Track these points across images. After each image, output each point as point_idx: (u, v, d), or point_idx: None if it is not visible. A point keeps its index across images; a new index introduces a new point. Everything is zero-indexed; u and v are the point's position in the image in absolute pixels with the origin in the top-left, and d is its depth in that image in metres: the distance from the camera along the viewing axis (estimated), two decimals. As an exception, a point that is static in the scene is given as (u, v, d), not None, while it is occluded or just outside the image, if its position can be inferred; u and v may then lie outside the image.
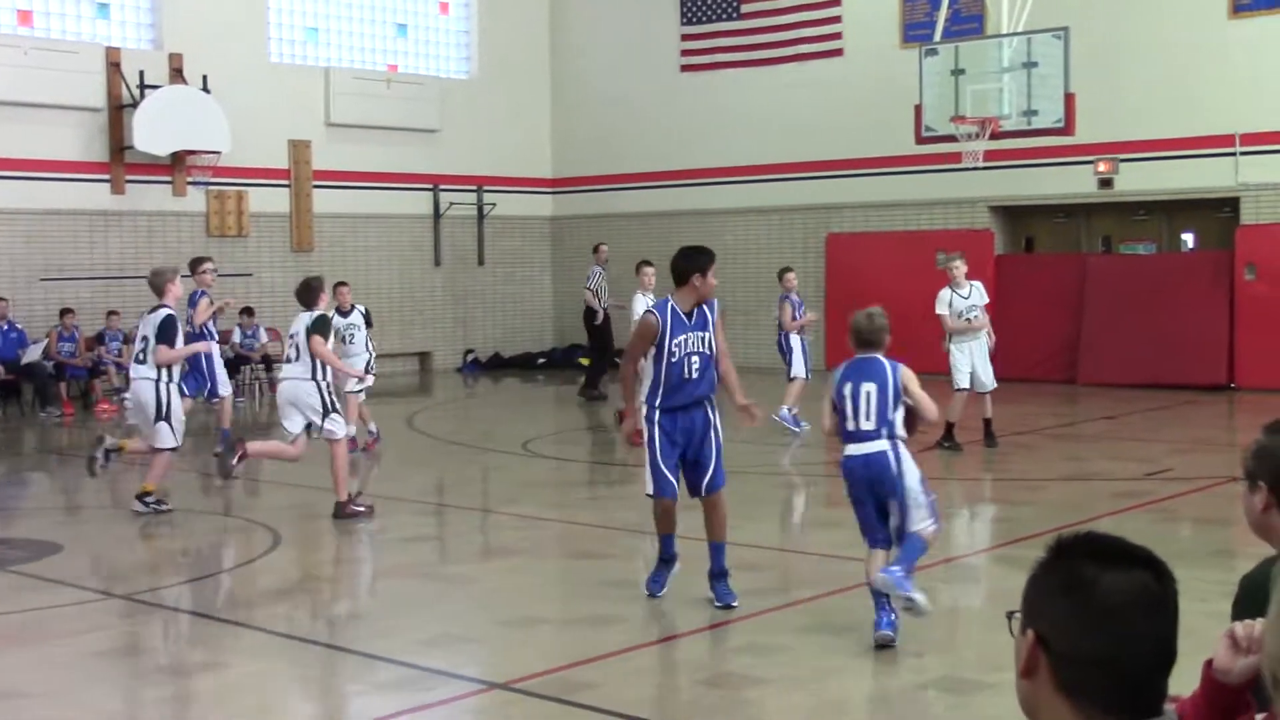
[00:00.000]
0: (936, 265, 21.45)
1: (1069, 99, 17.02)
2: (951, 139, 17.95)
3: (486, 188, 26.43)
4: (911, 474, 7.38)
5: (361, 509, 11.31)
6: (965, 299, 14.66)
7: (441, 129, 25.52)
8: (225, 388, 14.96)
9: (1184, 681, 2.46)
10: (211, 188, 22.63)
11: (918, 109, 18.17)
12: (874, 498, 7.43)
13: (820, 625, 7.76)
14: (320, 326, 11.30)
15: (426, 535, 11.32)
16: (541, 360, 26.62)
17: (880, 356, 7.49)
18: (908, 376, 7.45)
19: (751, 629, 7.79)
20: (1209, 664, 2.66)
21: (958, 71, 17.84)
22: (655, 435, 8.08)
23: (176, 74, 22.12)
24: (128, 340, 12.32)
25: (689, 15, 25.57)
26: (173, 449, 11.70)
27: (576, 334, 27.06)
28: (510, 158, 26.84)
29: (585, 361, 25.73)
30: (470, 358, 26.17)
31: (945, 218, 22.37)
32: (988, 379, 14.65)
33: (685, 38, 25.64)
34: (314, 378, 11.23)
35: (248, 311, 21.29)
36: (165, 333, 11.49)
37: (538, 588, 9.24)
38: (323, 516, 11.27)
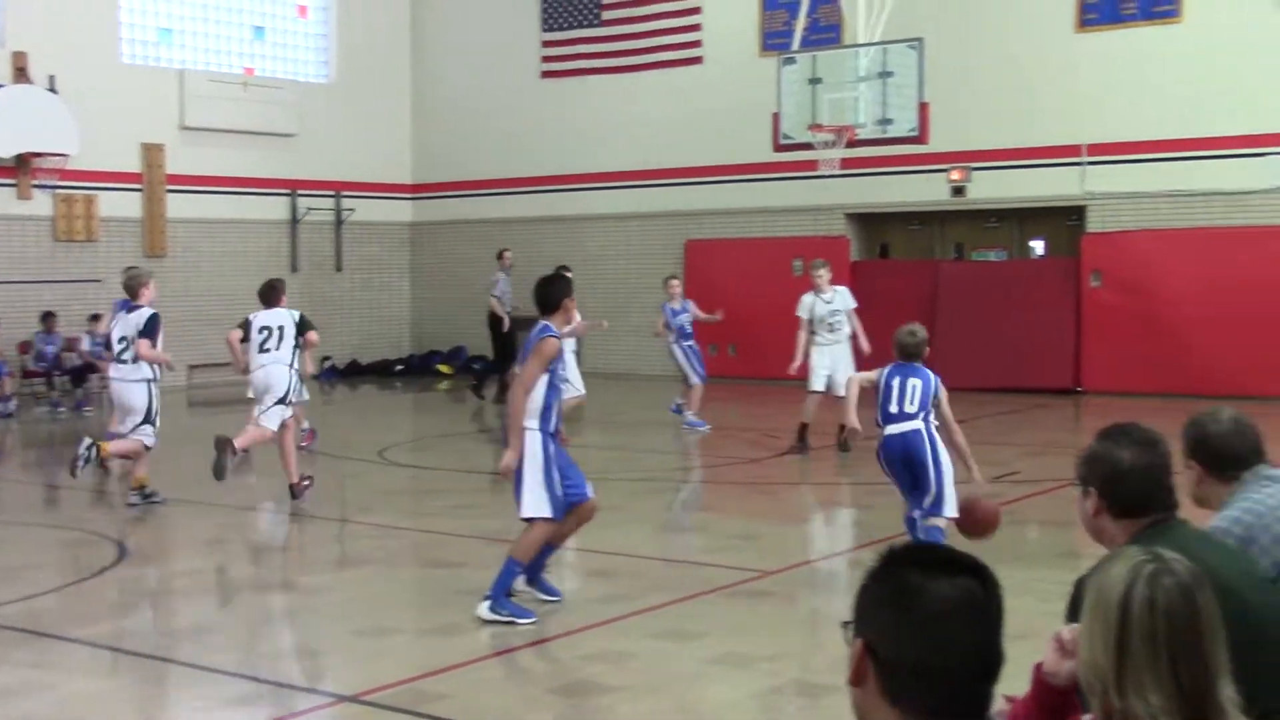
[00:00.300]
0: (794, 273, 21.73)
1: (923, 108, 17.29)
2: (808, 147, 18.13)
3: (345, 193, 26.13)
4: (947, 462, 8.78)
5: (308, 483, 12.24)
6: (828, 304, 14.83)
7: (299, 133, 25.18)
8: None
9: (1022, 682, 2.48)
10: (59, 191, 22.04)
11: (775, 117, 18.32)
12: (908, 471, 8.83)
13: (673, 631, 7.77)
14: (305, 322, 12.47)
15: (280, 545, 11.13)
16: (399, 367, 26.39)
17: (922, 365, 9.08)
18: (941, 387, 9.02)
19: (606, 636, 7.76)
20: (1038, 666, 2.70)
21: (815, 80, 18.02)
22: (550, 458, 7.98)
23: (20, 73, 21.52)
24: (108, 346, 12.39)
25: (550, 21, 25.54)
26: (149, 448, 12.15)
27: (434, 340, 26.90)
28: (369, 163, 26.58)
29: (445, 369, 25.61)
30: (327, 365, 25.82)
31: (802, 224, 22.61)
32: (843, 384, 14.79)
33: (546, 44, 25.60)
34: (291, 365, 12.23)
35: (96, 318, 20.76)
36: (150, 330, 12.00)
37: (392, 598, 9.12)
38: (173, 527, 11.01)
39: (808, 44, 19.92)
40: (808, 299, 14.88)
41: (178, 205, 23.57)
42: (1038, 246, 21.77)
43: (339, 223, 26.12)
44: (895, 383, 9.01)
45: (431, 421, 19.46)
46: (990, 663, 2.28)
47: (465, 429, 17.98)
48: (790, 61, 18.37)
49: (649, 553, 10.23)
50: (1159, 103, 19.49)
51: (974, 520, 8.15)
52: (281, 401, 12.12)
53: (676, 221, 23.93)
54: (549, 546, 8.22)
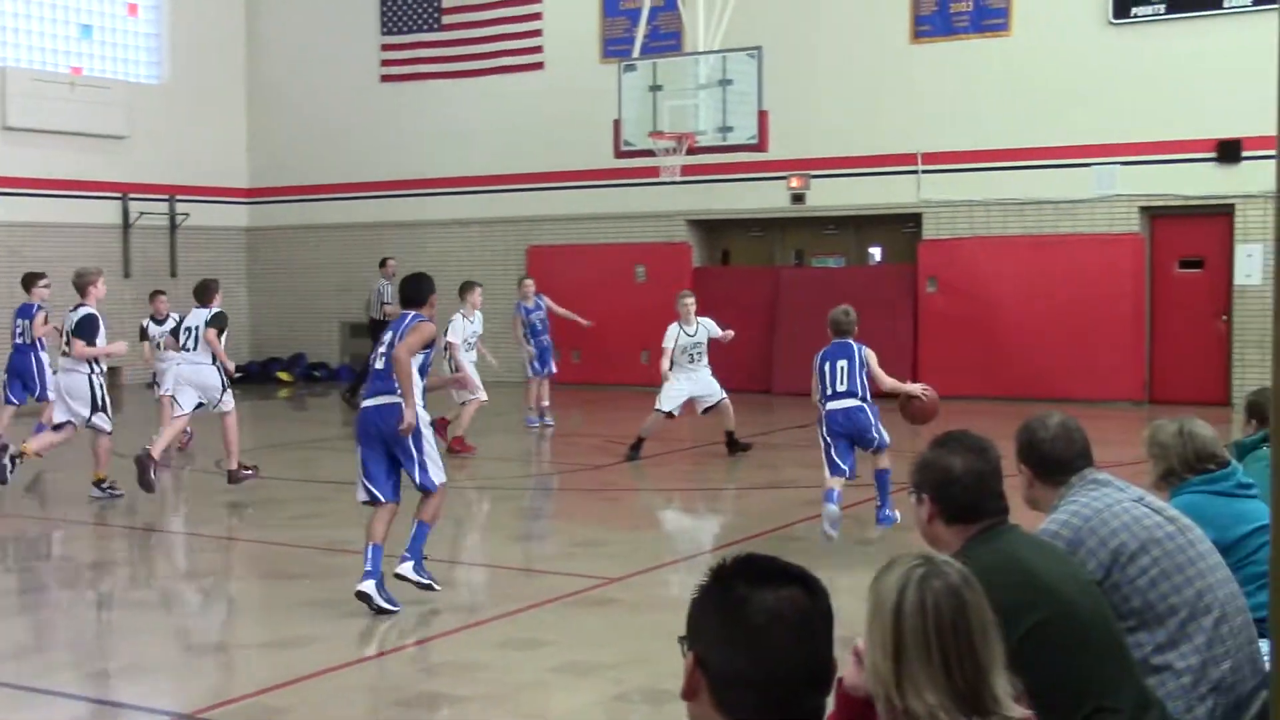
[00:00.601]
0: (636, 279, 21.87)
1: (762, 116, 17.48)
2: (650, 154, 18.20)
3: (179, 197, 25.57)
4: (883, 429, 10.61)
5: (249, 472, 13.20)
6: (691, 336, 15.04)
7: (130, 135, 24.58)
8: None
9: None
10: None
11: (616, 124, 18.38)
12: (848, 439, 10.39)
13: (520, 640, 7.76)
14: (217, 321, 13.10)
15: (114, 560, 10.84)
16: (238, 374, 25.81)
17: (851, 341, 10.59)
18: (869, 355, 10.58)
19: (451, 646, 7.74)
20: (840, 681, 2.75)
21: (656, 87, 18.11)
22: (433, 434, 8.72)
23: None
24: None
25: (389, 25, 25.31)
26: (109, 433, 12.80)
27: (273, 348, 26.48)
28: (204, 166, 26.05)
29: (285, 377, 25.21)
30: (163, 372, 25.25)
31: (644, 231, 22.74)
32: (713, 394, 15.04)
33: (385, 47, 25.37)
34: (213, 363, 13.11)
35: None
36: (83, 329, 12.65)
37: (233, 611, 8.97)
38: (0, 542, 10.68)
39: (648, 51, 20.03)
40: (673, 330, 15.04)
41: (1, 208, 22.85)
42: (876, 253, 22.18)
43: (173, 227, 25.56)
44: (826, 367, 10.52)
45: (271, 430, 19.12)
46: (819, 672, 2.31)
47: (306, 437, 17.72)
48: (631, 69, 18.45)
49: (496, 561, 10.20)
50: (991, 113, 20.01)
51: (913, 416, 10.55)
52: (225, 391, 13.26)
53: (519, 227, 23.90)
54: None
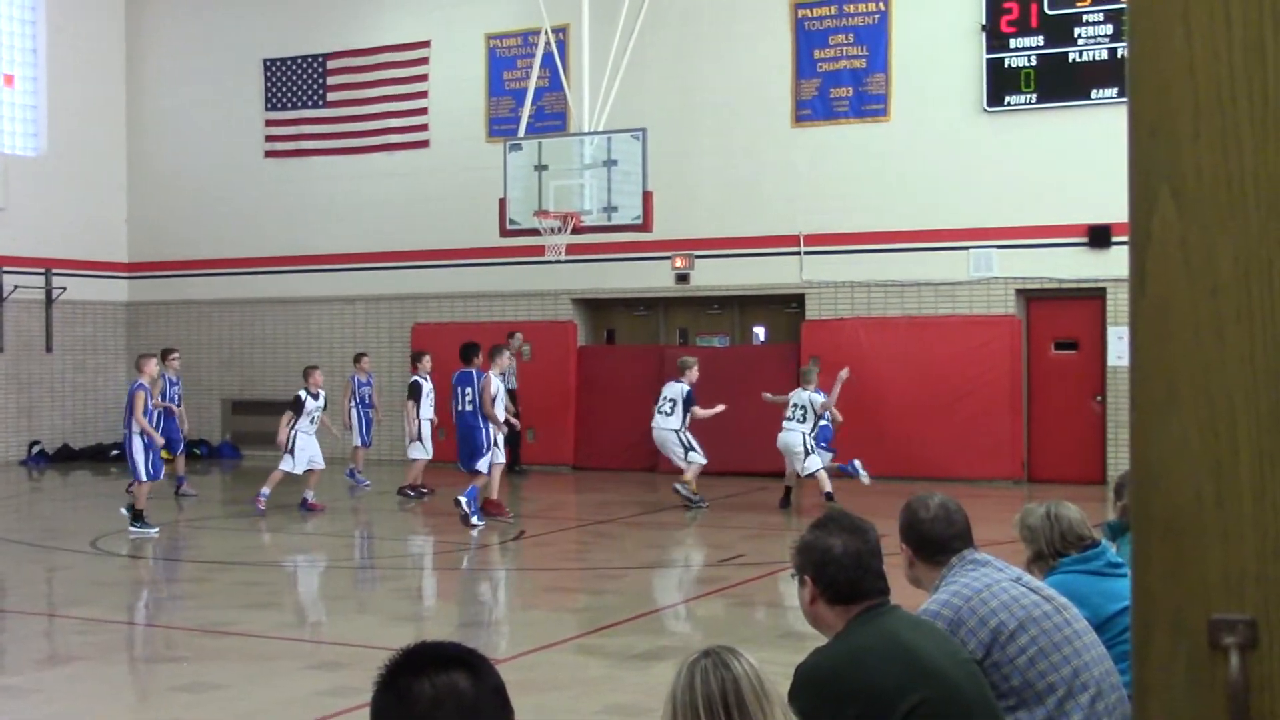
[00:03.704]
0: (522, 358, 21.83)
1: (647, 197, 17.66)
2: (535, 232, 18.30)
3: (56, 270, 25.12)
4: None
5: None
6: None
7: (6, 207, 24.15)
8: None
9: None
10: None
11: (502, 202, 18.45)
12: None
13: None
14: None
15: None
16: (115, 452, 25.33)
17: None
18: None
19: (332, 730, 7.61)
20: None
21: (541, 167, 18.24)
22: None
23: None
24: None
25: (273, 100, 25.21)
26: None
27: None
28: (82, 240, 25.64)
29: (165, 455, 24.70)
30: (36, 449, 24.69)
31: (530, 309, 22.77)
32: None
33: (270, 123, 25.25)
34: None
35: None
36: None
37: (103, 696, 8.73)
38: None
39: (533, 130, 20.17)
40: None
41: None
42: (760, 332, 22.40)
43: (49, 301, 25.10)
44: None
45: (149, 509, 18.73)
46: None
47: (184, 516, 17.40)
48: (517, 148, 18.57)
49: (377, 642, 10.07)
50: (870, 196, 20.37)
51: None
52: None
53: (404, 304, 23.81)
54: None
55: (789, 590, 11.32)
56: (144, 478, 15.55)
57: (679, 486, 17.07)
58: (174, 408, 19.13)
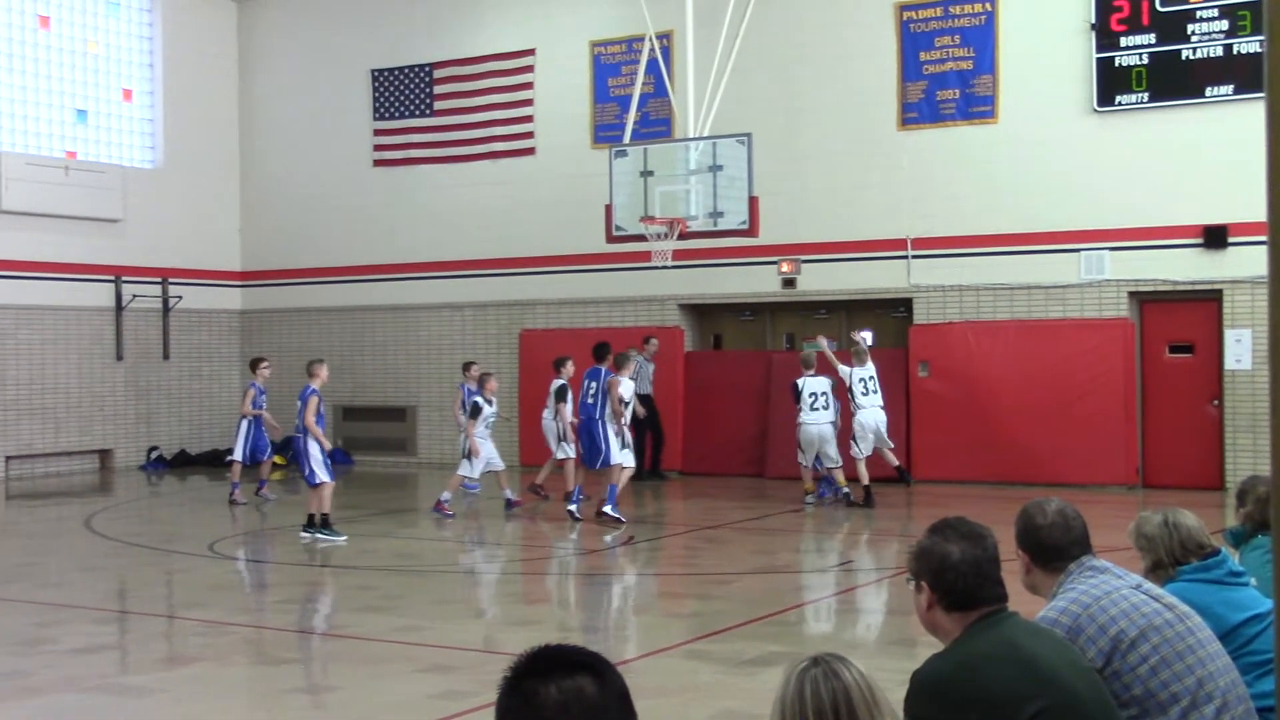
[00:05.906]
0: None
1: (753, 202, 17.61)
2: (641, 238, 18.32)
3: (172, 280, 25.67)
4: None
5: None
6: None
7: (125, 218, 24.72)
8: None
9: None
10: None
11: (608, 208, 18.49)
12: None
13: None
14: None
15: (103, 645, 10.75)
16: (230, 458, 25.77)
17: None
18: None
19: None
20: None
21: (646, 173, 18.25)
22: None
23: None
24: None
25: (382, 110, 25.54)
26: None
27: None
28: (197, 250, 26.18)
29: (278, 460, 25.12)
30: (154, 455, 25.22)
31: (637, 315, 22.82)
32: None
33: (378, 132, 25.58)
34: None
35: None
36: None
37: (221, 697, 8.89)
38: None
39: (639, 137, 20.20)
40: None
41: (-5, 291, 22.95)
42: (867, 336, 22.23)
43: (166, 310, 25.64)
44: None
45: (263, 513, 19.06)
46: None
47: (298, 521, 17.66)
48: (622, 154, 18.61)
49: (488, 647, 10.15)
50: (978, 199, 20.18)
51: None
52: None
53: (511, 311, 23.99)
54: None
55: (899, 596, 11.25)
56: (326, 479, 15.61)
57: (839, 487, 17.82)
58: (264, 414, 19.89)
